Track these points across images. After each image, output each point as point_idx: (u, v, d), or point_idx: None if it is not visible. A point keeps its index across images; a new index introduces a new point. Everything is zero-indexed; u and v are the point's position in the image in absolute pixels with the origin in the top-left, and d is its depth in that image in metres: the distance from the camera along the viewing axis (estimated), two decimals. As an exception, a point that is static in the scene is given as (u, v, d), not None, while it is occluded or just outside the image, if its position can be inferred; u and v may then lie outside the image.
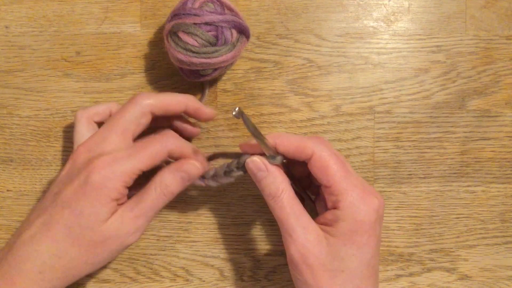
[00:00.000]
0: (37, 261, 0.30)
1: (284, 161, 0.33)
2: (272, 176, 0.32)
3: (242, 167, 0.34)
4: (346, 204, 0.31)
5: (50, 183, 0.40)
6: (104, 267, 0.40)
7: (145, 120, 0.33)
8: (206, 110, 0.36)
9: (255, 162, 0.32)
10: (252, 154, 0.33)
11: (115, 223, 0.31)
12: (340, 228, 0.31)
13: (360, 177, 0.33)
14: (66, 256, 0.31)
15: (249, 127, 0.30)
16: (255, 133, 0.31)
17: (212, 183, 0.35)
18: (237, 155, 0.35)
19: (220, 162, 0.36)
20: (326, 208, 0.33)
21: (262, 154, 0.33)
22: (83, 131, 0.35)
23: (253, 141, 0.33)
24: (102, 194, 0.31)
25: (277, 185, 0.32)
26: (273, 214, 0.32)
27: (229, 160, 0.35)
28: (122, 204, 0.32)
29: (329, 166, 0.31)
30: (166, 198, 0.33)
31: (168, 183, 0.33)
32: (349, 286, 0.31)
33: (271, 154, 0.33)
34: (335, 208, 0.32)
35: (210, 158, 0.38)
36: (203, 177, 0.35)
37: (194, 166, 0.33)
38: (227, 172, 0.34)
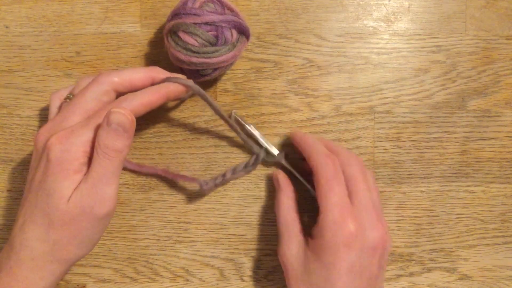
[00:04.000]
0: (28, 249, 0.30)
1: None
2: (283, 192, 0.38)
3: (253, 165, 0.39)
4: (325, 221, 0.33)
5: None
6: (104, 267, 0.40)
7: (107, 98, 0.33)
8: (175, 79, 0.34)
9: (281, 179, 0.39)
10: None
11: (76, 198, 0.30)
12: (315, 243, 0.34)
13: (369, 201, 0.34)
14: (49, 239, 0.30)
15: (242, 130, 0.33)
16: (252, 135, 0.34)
17: (210, 189, 0.39)
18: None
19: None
20: None
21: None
22: (54, 110, 0.35)
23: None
24: (64, 168, 0.30)
25: (281, 199, 0.37)
26: None
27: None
28: (84, 172, 0.31)
29: (318, 180, 0.34)
30: (112, 157, 0.30)
31: (105, 142, 0.30)
32: None
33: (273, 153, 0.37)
34: (319, 222, 0.34)
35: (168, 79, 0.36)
36: (206, 183, 0.38)
37: (119, 114, 0.30)
38: (247, 166, 0.39)
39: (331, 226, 0.33)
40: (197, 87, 0.34)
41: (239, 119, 0.39)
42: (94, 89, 0.32)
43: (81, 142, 0.30)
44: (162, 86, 0.33)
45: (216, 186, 0.39)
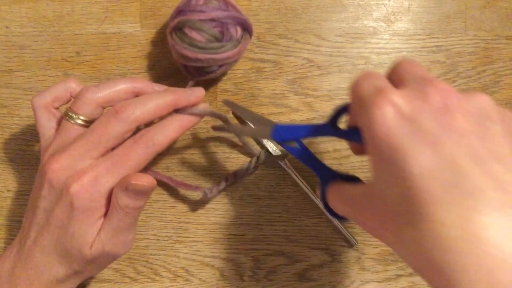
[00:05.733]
0: (52, 271, 0.32)
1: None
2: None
3: (254, 167, 0.39)
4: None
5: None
6: (104, 267, 0.40)
7: (129, 134, 0.31)
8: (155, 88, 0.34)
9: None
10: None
11: (99, 245, 0.31)
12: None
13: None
14: (59, 274, 0.31)
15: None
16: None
17: (214, 196, 0.39)
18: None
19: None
20: None
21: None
22: (44, 123, 0.33)
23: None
24: (90, 215, 0.30)
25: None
26: None
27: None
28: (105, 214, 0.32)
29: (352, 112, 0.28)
30: (132, 214, 0.31)
31: (124, 203, 0.30)
32: None
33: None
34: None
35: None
36: (210, 191, 0.38)
37: (146, 181, 0.30)
38: (248, 169, 0.39)
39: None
40: (220, 114, 0.35)
41: (241, 117, 0.39)
42: (119, 128, 0.30)
43: (105, 190, 0.30)
44: (186, 120, 0.33)
45: (220, 192, 0.39)
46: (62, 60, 0.40)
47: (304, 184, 0.39)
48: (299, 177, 0.40)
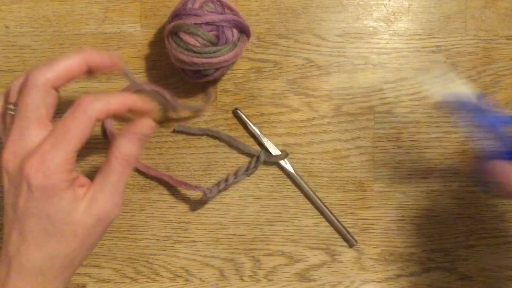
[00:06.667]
0: (35, 268, 0.30)
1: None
2: None
3: (254, 167, 0.39)
4: None
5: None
6: (104, 267, 0.40)
7: (51, 98, 0.31)
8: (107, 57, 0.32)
9: None
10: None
11: (92, 209, 0.30)
12: None
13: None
14: (59, 255, 0.30)
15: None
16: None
17: (214, 196, 0.39)
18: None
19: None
20: None
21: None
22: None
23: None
24: (53, 192, 0.29)
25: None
26: None
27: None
28: (81, 183, 0.31)
29: None
30: (130, 166, 0.31)
31: (127, 151, 0.31)
32: None
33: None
34: None
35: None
36: (210, 190, 0.38)
37: (149, 126, 0.31)
38: (248, 169, 0.39)
39: None
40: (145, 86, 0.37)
41: (244, 116, 0.39)
42: (34, 95, 0.30)
43: (58, 165, 0.29)
44: (129, 96, 0.32)
45: (220, 192, 0.39)
46: (62, 60, 0.40)
47: (304, 184, 0.39)
48: (299, 177, 0.40)
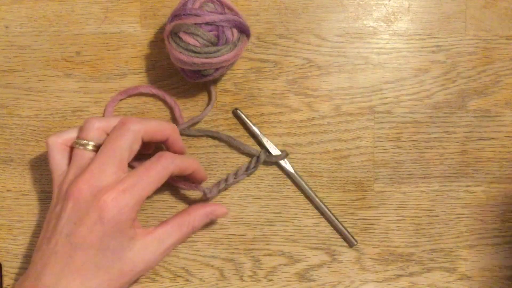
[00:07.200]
0: None
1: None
2: None
3: (254, 167, 0.39)
4: None
5: (46, 209, 0.40)
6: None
7: (137, 146, 0.33)
8: (181, 144, 0.36)
9: None
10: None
11: (144, 256, 0.33)
12: None
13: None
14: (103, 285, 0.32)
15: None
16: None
17: (214, 196, 0.39)
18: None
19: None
20: None
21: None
22: (58, 159, 0.34)
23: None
24: (120, 227, 0.31)
25: None
26: None
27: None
28: (137, 225, 0.34)
29: None
30: (190, 235, 0.38)
31: (199, 224, 0.36)
32: None
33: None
34: None
35: None
36: (209, 190, 0.38)
37: (223, 212, 0.38)
38: (248, 169, 0.39)
39: None
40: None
41: (244, 116, 0.39)
42: (126, 138, 0.32)
43: (132, 204, 0.32)
44: (198, 164, 0.37)
45: (219, 192, 0.39)
46: (62, 60, 0.40)
47: (304, 184, 0.39)
48: (299, 177, 0.40)
